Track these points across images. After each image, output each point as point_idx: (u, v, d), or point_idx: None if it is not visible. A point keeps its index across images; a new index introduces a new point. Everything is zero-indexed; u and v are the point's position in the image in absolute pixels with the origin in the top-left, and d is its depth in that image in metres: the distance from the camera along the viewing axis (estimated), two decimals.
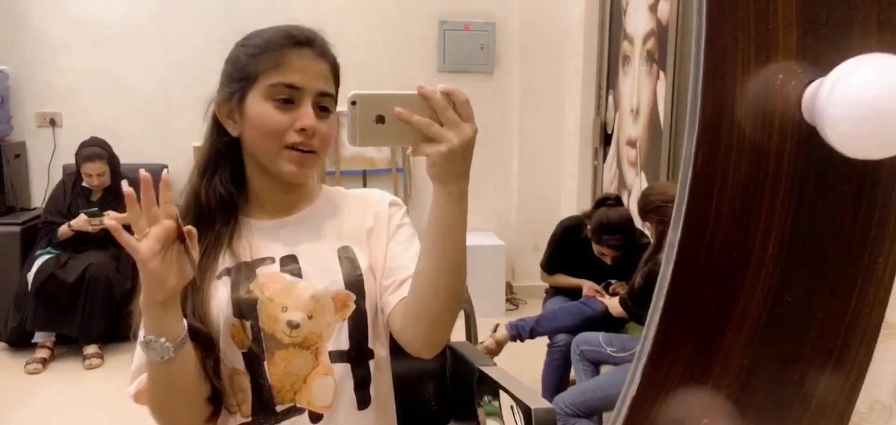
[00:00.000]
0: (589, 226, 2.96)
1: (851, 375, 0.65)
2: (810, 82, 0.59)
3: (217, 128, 1.13)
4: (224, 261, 1.11)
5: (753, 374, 0.63)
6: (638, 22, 3.71)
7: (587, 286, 3.09)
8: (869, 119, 0.53)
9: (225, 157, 1.13)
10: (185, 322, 0.99)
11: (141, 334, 0.97)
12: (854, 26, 0.59)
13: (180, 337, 0.97)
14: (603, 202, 3.01)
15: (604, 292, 3.01)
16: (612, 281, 3.01)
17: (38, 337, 3.68)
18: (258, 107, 1.06)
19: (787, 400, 0.65)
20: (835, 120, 0.54)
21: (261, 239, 1.13)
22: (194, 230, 0.95)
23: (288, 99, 1.05)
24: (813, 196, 0.61)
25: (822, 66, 0.58)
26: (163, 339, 0.95)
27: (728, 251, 0.61)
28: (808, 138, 0.59)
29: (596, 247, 2.96)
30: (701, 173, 0.59)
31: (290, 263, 1.11)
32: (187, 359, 1.01)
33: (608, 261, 2.96)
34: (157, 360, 0.96)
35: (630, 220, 2.91)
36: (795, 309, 0.63)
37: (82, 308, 3.62)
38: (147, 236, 0.89)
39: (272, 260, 1.11)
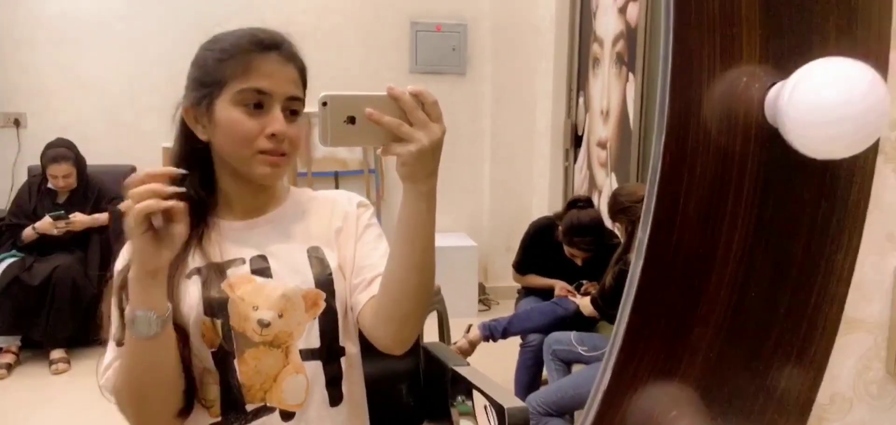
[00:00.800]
0: (560, 228, 2.99)
1: (813, 368, 0.67)
2: (773, 85, 0.61)
3: (185, 133, 1.12)
4: (194, 261, 1.11)
5: (720, 368, 0.65)
6: (607, 24, 3.75)
7: (559, 286, 3.12)
8: (828, 121, 0.55)
9: (194, 162, 1.13)
10: (169, 303, 1.01)
11: (127, 310, 0.98)
12: (814, 31, 0.61)
13: (167, 313, 0.99)
14: (574, 204, 3.04)
15: (575, 292, 3.04)
16: (584, 281, 3.05)
17: (3, 341, 3.60)
18: (228, 113, 1.06)
19: (751, 392, 0.67)
20: (795, 122, 0.57)
21: (231, 240, 1.14)
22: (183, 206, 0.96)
23: (257, 104, 1.05)
24: (776, 195, 0.63)
25: (784, 69, 0.60)
26: (152, 313, 0.96)
27: (695, 248, 0.63)
28: (771, 139, 0.61)
29: (567, 249, 2.99)
30: (669, 173, 0.61)
31: (260, 263, 1.12)
32: (169, 340, 1.02)
33: (579, 262, 3.00)
34: (143, 335, 0.97)
35: (601, 222, 2.94)
36: (759, 304, 0.65)
37: (48, 312, 3.55)
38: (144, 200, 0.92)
39: (242, 260, 1.12)
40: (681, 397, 0.66)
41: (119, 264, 1.11)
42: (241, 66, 1.05)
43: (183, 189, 0.97)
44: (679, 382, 0.65)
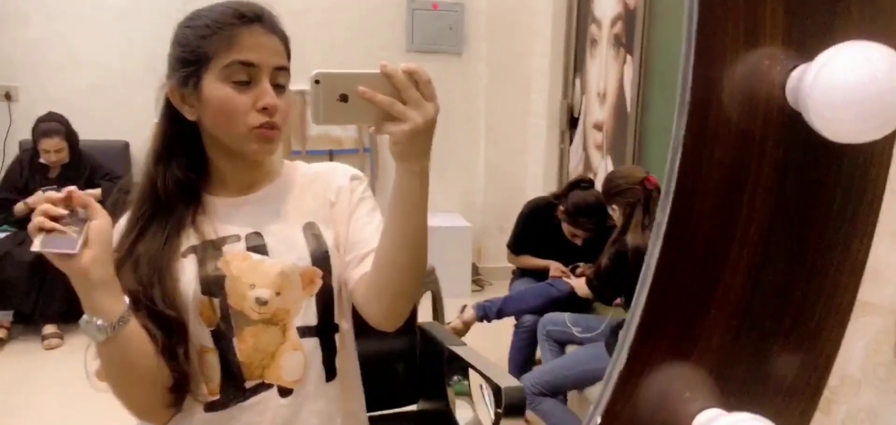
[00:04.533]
0: (563, 208, 2.99)
1: (825, 351, 0.68)
2: (795, 68, 0.60)
3: (171, 113, 1.11)
4: (188, 240, 1.10)
5: (734, 350, 0.66)
6: (605, 5, 3.74)
7: (554, 267, 3.13)
8: (852, 104, 0.55)
9: (181, 142, 1.12)
10: (126, 301, 0.99)
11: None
12: (837, 15, 0.61)
13: (117, 317, 0.96)
14: (577, 184, 3.05)
15: (570, 273, 3.05)
16: (580, 263, 3.06)
17: None
18: (216, 90, 1.04)
19: (764, 374, 0.67)
20: (819, 104, 0.56)
21: (225, 217, 1.13)
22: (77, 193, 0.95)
23: (245, 78, 1.04)
24: (795, 179, 0.63)
25: (807, 52, 0.60)
26: (97, 319, 0.95)
27: (713, 231, 0.63)
28: (792, 122, 0.61)
29: (568, 229, 3.00)
30: (689, 155, 0.61)
31: (256, 240, 1.11)
32: (134, 340, 1.00)
33: (580, 242, 3.01)
34: (97, 340, 0.96)
35: (603, 203, 2.96)
36: (775, 288, 0.65)
37: (40, 287, 3.53)
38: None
39: (238, 237, 1.11)
40: (694, 379, 0.66)
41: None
42: (224, 41, 1.04)
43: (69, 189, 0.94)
44: (693, 364, 0.66)
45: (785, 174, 0.63)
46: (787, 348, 0.67)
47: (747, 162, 0.62)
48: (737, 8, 0.60)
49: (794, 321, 0.66)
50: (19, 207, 3.65)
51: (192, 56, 1.06)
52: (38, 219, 0.91)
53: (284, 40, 1.10)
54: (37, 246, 0.90)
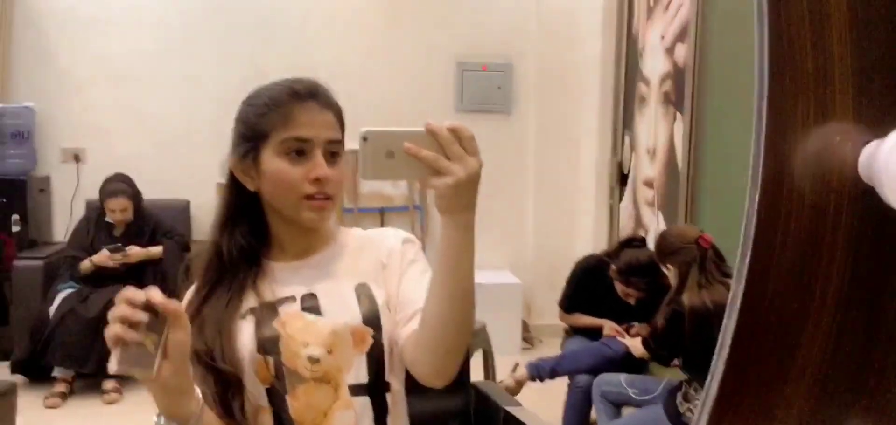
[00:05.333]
0: (615, 267, 2.97)
1: None
2: (867, 143, 0.62)
3: (234, 185, 1.19)
4: (248, 302, 1.16)
5: (813, 423, 0.66)
6: (654, 64, 3.76)
7: (608, 326, 3.10)
8: None
9: (244, 211, 1.19)
10: (199, 400, 1.02)
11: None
12: None
13: (192, 419, 1.00)
14: (629, 243, 3.04)
15: (625, 333, 3.02)
16: (634, 323, 3.02)
17: (58, 371, 3.69)
18: (273, 163, 1.12)
19: None
20: (893, 178, 0.57)
21: (282, 280, 1.19)
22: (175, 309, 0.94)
23: (299, 150, 1.11)
24: (869, 250, 0.64)
25: (878, 127, 0.61)
26: (172, 423, 0.99)
27: (789, 303, 0.63)
28: (864, 196, 0.62)
29: (621, 288, 2.98)
30: (763, 227, 0.62)
31: (310, 301, 1.16)
32: None
33: (632, 301, 2.98)
34: None
35: (656, 262, 2.94)
36: (853, 358, 0.65)
37: (103, 342, 3.59)
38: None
39: (293, 298, 1.16)
40: None
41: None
42: (281, 118, 1.12)
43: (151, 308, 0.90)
44: None
45: (859, 247, 0.63)
46: (868, 420, 0.66)
47: (821, 235, 0.63)
48: (806, 84, 0.62)
49: (873, 392, 0.66)
50: (85, 265, 3.78)
51: (251, 132, 1.14)
52: (116, 329, 0.89)
53: (338, 114, 1.17)
54: (114, 366, 0.88)
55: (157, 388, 0.95)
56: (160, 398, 0.97)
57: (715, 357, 0.64)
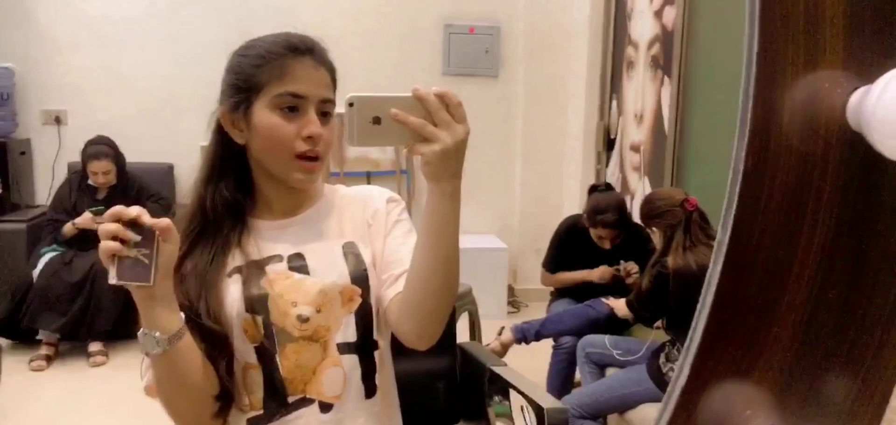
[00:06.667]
0: (585, 215, 3.02)
1: (888, 370, 0.68)
2: (855, 90, 0.61)
3: (222, 137, 1.17)
4: (234, 260, 1.15)
5: (796, 369, 0.66)
6: (643, 27, 3.74)
7: (600, 270, 3.08)
8: None
9: (230, 165, 1.18)
10: (181, 317, 1.03)
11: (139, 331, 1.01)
12: None
13: (174, 332, 1.00)
14: (594, 188, 3.09)
15: (617, 273, 3.03)
16: (621, 261, 3.04)
17: (43, 334, 3.68)
18: (265, 117, 1.10)
19: (825, 394, 0.68)
20: (883, 124, 0.57)
21: (268, 238, 1.18)
22: (167, 226, 0.97)
23: (293, 107, 1.09)
24: (856, 198, 0.64)
25: (867, 74, 0.61)
26: (156, 333, 0.99)
27: (774, 250, 0.64)
28: (852, 143, 0.62)
29: (593, 232, 3.02)
30: (750, 176, 0.62)
31: (297, 260, 1.16)
32: (187, 354, 1.04)
33: (607, 244, 3.02)
34: (152, 352, 1.00)
35: (622, 202, 3.05)
36: (837, 307, 0.65)
37: (87, 305, 3.63)
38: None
39: (280, 257, 1.16)
40: (755, 397, 0.67)
41: None
42: (276, 71, 1.09)
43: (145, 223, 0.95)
44: (754, 383, 0.66)
45: (846, 194, 0.63)
46: (849, 367, 0.67)
47: (808, 183, 0.63)
48: (797, 32, 0.61)
49: (855, 340, 0.67)
50: (68, 228, 3.75)
51: (244, 84, 1.11)
52: (111, 244, 0.93)
53: (332, 73, 1.16)
54: (113, 279, 0.93)
55: (149, 300, 0.97)
56: (150, 310, 0.98)
57: (699, 305, 0.64)
